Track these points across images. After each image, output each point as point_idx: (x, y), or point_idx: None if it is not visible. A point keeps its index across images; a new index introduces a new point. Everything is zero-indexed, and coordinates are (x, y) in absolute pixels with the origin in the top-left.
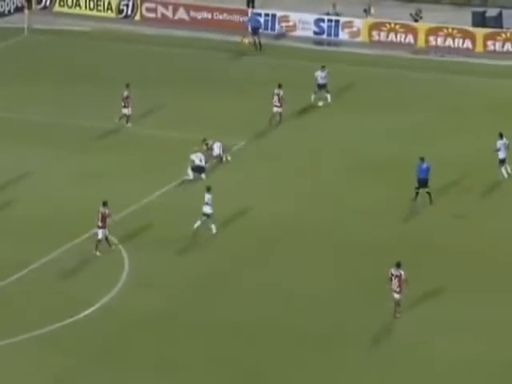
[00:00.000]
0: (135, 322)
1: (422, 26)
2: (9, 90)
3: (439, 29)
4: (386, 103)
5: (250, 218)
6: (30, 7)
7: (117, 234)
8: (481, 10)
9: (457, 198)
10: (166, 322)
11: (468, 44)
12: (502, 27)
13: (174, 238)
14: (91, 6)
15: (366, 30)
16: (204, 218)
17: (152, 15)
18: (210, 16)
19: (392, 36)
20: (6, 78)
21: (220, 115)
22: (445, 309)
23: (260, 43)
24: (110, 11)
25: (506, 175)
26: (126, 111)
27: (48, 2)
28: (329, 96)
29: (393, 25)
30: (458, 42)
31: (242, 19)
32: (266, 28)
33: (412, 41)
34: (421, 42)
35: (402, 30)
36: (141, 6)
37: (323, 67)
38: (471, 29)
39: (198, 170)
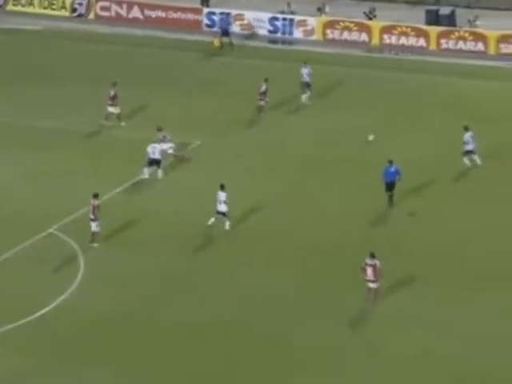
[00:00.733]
0: (91, 322)
1: (376, 25)
2: None
3: (393, 27)
4: (341, 102)
5: (205, 219)
6: None
7: (71, 233)
8: (434, 8)
9: (416, 195)
10: (121, 322)
11: (422, 42)
12: (455, 25)
13: (128, 238)
14: (45, 4)
15: (321, 28)
16: (220, 215)
17: (106, 14)
18: (164, 15)
19: (346, 34)
20: None
21: (177, 114)
22: (403, 305)
23: (232, 43)
24: (63, 10)
25: (469, 163)
26: (113, 110)
27: (1, 1)
28: (306, 94)
29: (347, 23)
30: (412, 41)
31: (196, 18)
32: (220, 27)
33: (366, 39)
34: (375, 41)
35: (356, 28)
36: (95, 4)
37: (305, 63)
38: (425, 27)
39: (153, 163)
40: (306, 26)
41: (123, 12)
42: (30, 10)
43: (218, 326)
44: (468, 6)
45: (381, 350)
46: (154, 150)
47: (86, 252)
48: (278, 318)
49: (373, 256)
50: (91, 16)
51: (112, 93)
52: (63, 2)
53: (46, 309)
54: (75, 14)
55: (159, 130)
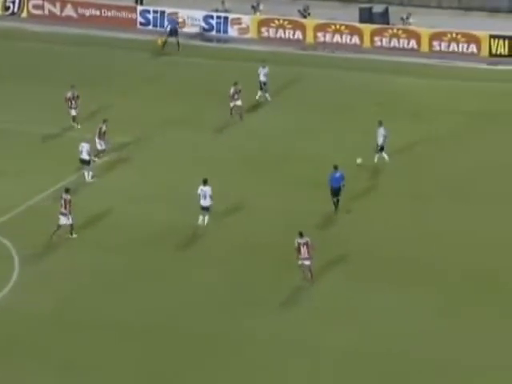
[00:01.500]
0: (26, 322)
1: (310, 23)
2: None
3: (327, 25)
4: (276, 100)
5: (138, 219)
6: None
7: (6, 233)
8: (368, 6)
9: (350, 194)
10: (56, 322)
11: (356, 40)
12: (388, 23)
13: (63, 239)
14: None
15: (255, 26)
16: (203, 211)
17: (39, 12)
18: (98, 13)
19: (281, 32)
20: None
21: (111, 113)
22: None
23: (179, 43)
24: None
25: (375, 160)
26: (74, 112)
27: None
28: (260, 92)
29: (281, 21)
30: (346, 38)
31: (130, 16)
32: (155, 25)
33: (301, 37)
34: (309, 39)
35: (290, 26)
36: (27, 2)
37: (263, 62)
38: (358, 25)
39: (82, 163)
40: (240, 24)
41: (56, 10)
42: None
43: (148, 326)
44: (401, 4)
45: (313, 344)
46: (82, 149)
47: (20, 252)
48: (211, 315)
49: (301, 235)
50: (24, 14)
51: (68, 94)
52: None
53: None
54: (8, 13)
55: (104, 122)
